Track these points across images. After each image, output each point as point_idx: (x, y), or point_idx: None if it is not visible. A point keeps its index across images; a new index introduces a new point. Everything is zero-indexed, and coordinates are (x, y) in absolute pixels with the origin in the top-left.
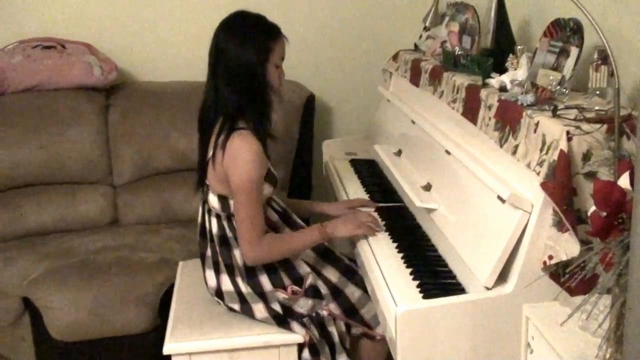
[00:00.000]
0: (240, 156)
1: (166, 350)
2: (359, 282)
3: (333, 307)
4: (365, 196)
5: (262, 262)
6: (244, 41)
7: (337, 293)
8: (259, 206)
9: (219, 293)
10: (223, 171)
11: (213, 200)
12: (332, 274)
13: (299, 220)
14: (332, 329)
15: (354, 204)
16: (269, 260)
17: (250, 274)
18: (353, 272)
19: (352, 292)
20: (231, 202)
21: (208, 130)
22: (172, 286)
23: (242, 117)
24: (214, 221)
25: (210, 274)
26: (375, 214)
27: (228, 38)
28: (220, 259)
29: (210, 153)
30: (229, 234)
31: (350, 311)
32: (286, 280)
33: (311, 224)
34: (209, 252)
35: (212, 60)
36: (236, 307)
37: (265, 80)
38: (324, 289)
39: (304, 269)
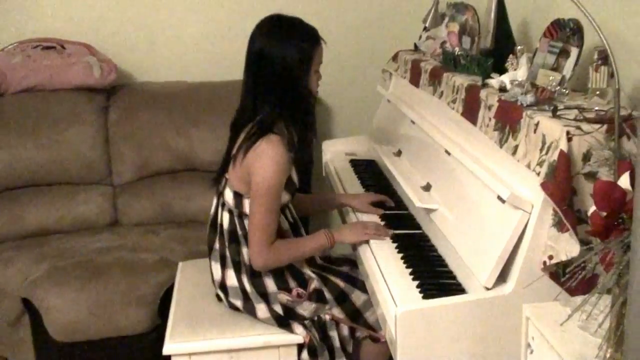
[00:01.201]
0: (264, 161)
1: (166, 350)
2: (362, 287)
3: (337, 311)
4: None
5: (270, 268)
6: (287, 48)
7: (342, 298)
8: (274, 213)
9: (223, 287)
10: (243, 170)
11: (228, 196)
12: (337, 281)
13: (304, 234)
14: (334, 333)
15: (379, 198)
16: (277, 265)
17: (255, 273)
18: (354, 278)
19: (358, 297)
20: (245, 201)
21: (240, 129)
22: (172, 286)
23: (279, 122)
24: (226, 216)
25: (216, 267)
26: (377, 217)
27: (270, 43)
28: (228, 254)
29: (235, 149)
30: (240, 231)
31: (355, 315)
32: (291, 283)
33: (310, 229)
34: (217, 245)
35: (251, 64)
36: (239, 303)
37: (307, 87)
38: (328, 295)
39: (309, 273)
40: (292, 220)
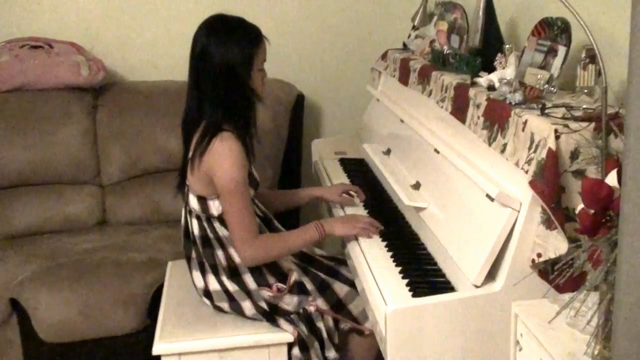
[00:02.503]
0: (221, 158)
1: (155, 350)
2: (345, 280)
3: (320, 302)
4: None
5: (261, 261)
6: (227, 47)
7: (324, 288)
8: (247, 206)
9: (207, 293)
10: (203, 173)
11: (193, 202)
12: (317, 272)
13: (280, 226)
14: (320, 325)
15: (348, 188)
16: (267, 259)
17: (234, 273)
18: (337, 271)
19: (340, 288)
20: (210, 202)
21: (192, 133)
22: (161, 286)
23: (226, 120)
24: (195, 222)
25: (197, 275)
26: (365, 214)
27: (210, 44)
28: (204, 260)
29: (191, 154)
30: (211, 234)
31: (338, 306)
32: (270, 279)
33: (301, 224)
34: (193, 254)
35: (194, 64)
36: (225, 306)
37: (248, 86)
38: (309, 285)
39: (288, 266)
40: (262, 214)
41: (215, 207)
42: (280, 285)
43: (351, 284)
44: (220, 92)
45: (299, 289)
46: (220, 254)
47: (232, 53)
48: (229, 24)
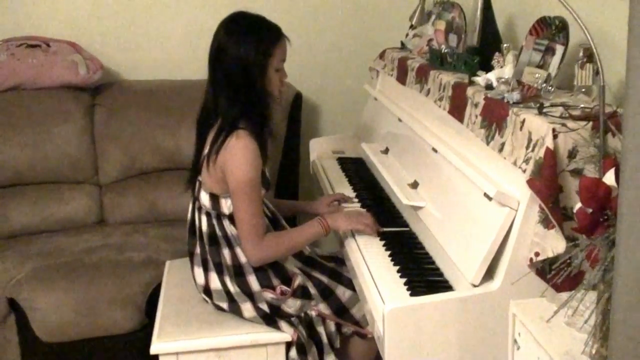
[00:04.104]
0: (236, 156)
1: (153, 350)
2: (348, 283)
3: (322, 307)
4: (353, 194)
5: (267, 261)
6: (243, 45)
7: (327, 294)
8: (258, 205)
9: (207, 291)
10: (218, 170)
11: (204, 198)
12: (321, 277)
13: (287, 226)
14: (321, 329)
15: (334, 197)
16: (274, 258)
17: (238, 273)
18: (340, 274)
19: (343, 293)
20: (222, 200)
21: (206, 129)
22: (159, 285)
23: (242, 118)
24: (204, 219)
25: (198, 272)
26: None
27: (228, 40)
28: (209, 257)
29: (206, 151)
30: (219, 232)
31: (341, 311)
32: (275, 281)
33: (298, 223)
34: (197, 250)
35: (211, 61)
36: (224, 305)
37: (263, 85)
38: (312, 290)
39: (292, 269)
40: (271, 215)
41: (227, 205)
42: (284, 287)
43: (353, 288)
44: (236, 89)
45: (302, 292)
46: (226, 252)
47: (248, 50)
48: (248, 22)
